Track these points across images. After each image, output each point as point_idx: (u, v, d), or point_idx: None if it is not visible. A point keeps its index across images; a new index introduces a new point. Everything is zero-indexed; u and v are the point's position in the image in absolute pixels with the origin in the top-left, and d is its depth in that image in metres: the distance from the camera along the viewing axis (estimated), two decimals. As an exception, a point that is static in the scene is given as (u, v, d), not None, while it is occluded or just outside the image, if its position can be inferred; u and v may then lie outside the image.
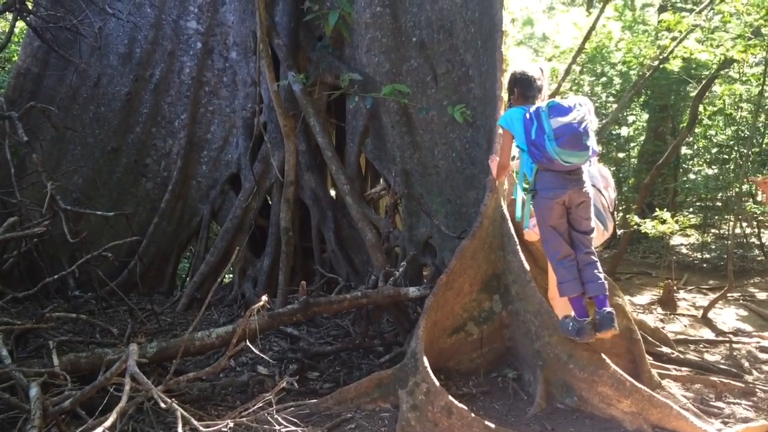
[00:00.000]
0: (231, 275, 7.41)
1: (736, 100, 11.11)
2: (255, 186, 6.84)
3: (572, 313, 3.91)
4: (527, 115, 3.84)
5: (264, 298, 3.42)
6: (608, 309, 3.83)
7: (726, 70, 10.61)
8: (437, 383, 3.75)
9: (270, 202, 7.01)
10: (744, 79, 10.91)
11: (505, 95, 4.64)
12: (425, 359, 3.85)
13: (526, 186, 3.99)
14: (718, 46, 8.96)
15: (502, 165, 4.19)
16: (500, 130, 4.19)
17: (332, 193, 7.22)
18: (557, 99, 3.86)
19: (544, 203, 3.87)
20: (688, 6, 9.66)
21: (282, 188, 6.45)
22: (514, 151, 4.15)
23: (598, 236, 4.22)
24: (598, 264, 3.93)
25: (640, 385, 3.81)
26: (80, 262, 5.59)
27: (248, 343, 3.47)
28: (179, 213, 7.32)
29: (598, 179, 4.36)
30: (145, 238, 7.01)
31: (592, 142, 3.79)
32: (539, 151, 3.74)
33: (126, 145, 7.34)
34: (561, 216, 3.89)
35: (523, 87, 4.04)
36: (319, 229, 6.71)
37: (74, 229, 6.00)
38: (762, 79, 9.78)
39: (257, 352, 3.64)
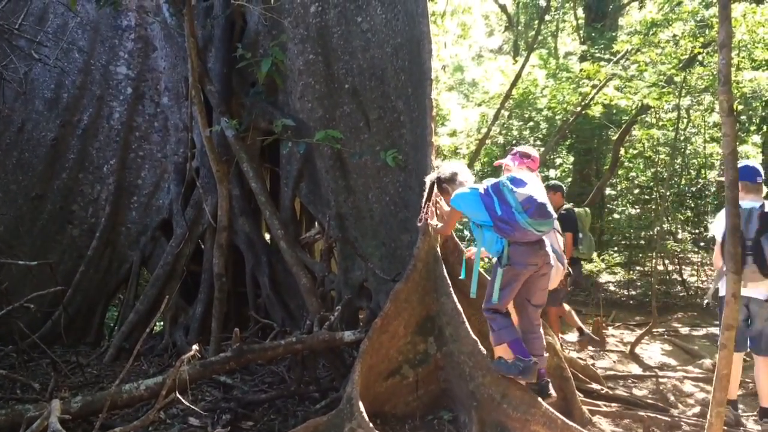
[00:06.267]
0: (162, 324, 7.20)
1: (654, 143, 11.74)
2: (187, 232, 6.73)
3: (508, 355, 4.02)
4: (482, 192, 3.97)
5: (195, 347, 3.37)
6: (546, 378, 4.10)
7: (643, 115, 11.24)
8: (373, 428, 3.73)
9: (203, 248, 6.90)
10: (660, 124, 11.56)
11: (435, 140, 4.82)
12: (361, 404, 3.83)
13: (498, 258, 4.02)
14: (635, 93, 9.51)
15: (443, 234, 4.52)
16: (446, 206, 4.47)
17: (267, 237, 7.17)
18: (512, 173, 4.06)
19: (517, 271, 3.97)
20: (606, 56, 10.21)
21: (215, 233, 6.36)
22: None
23: (557, 275, 4.49)
24: (543, 338, 4.17)
25: (571, 423, 3.89)
26: (0, 314, 5.34)
27: (179, 394, 3.39)
28: (107, 260, 7.09)
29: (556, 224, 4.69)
30: (70, 287, 6.75)
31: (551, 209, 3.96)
32: (509, 225, 3.83)
33: (51, 191, 7.12)
34: (522, 282, 4.04)
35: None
36: (254, 274, 6.64)
37: (-6, 279, 5.75)
38: (676, 124, 10.41)
39: (188, 404, 3.55)
